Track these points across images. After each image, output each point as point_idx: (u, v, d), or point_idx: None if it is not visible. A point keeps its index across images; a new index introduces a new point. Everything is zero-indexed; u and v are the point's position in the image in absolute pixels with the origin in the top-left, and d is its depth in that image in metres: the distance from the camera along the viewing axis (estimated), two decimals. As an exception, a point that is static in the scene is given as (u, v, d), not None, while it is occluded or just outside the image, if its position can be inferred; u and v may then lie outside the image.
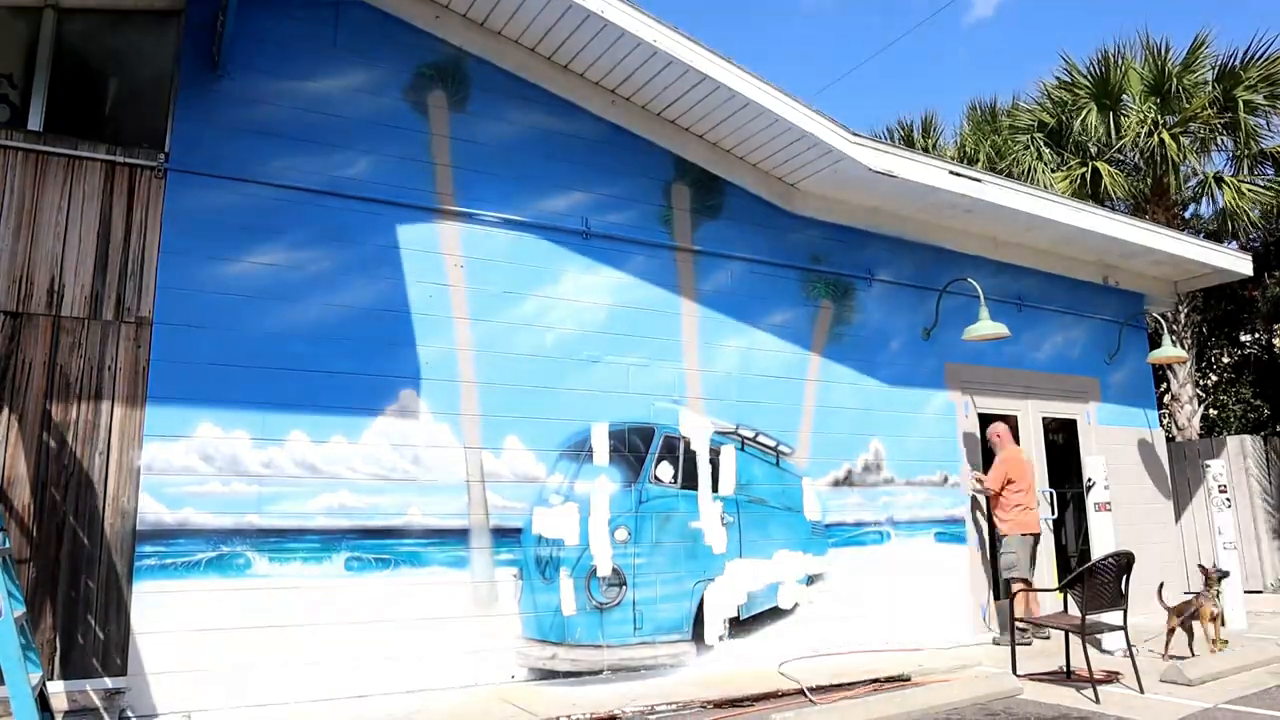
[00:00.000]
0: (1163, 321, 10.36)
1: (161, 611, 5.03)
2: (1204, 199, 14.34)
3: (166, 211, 5.46)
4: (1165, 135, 12.85)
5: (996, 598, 8.11)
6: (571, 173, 6.86)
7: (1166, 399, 14.16)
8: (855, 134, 7.33)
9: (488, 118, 6.60)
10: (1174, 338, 12.13)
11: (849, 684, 5.83)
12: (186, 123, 5.60)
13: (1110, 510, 7.30)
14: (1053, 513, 9.00)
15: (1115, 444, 9.54)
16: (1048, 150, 14.22)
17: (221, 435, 5.36)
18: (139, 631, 4.97)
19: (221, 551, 5.25)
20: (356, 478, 5.70)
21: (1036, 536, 7.95)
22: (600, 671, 6.23)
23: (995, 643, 7.73)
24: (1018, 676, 6.12)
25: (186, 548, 5.16)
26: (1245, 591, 8.69)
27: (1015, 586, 7.60)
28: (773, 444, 7.27)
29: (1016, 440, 8.53)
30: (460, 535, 5.95)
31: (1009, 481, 7.93)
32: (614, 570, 6.46)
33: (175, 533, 5.15)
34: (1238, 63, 13.13)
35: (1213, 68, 13.37)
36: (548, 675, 6.04)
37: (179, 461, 5.23)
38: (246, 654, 5.18)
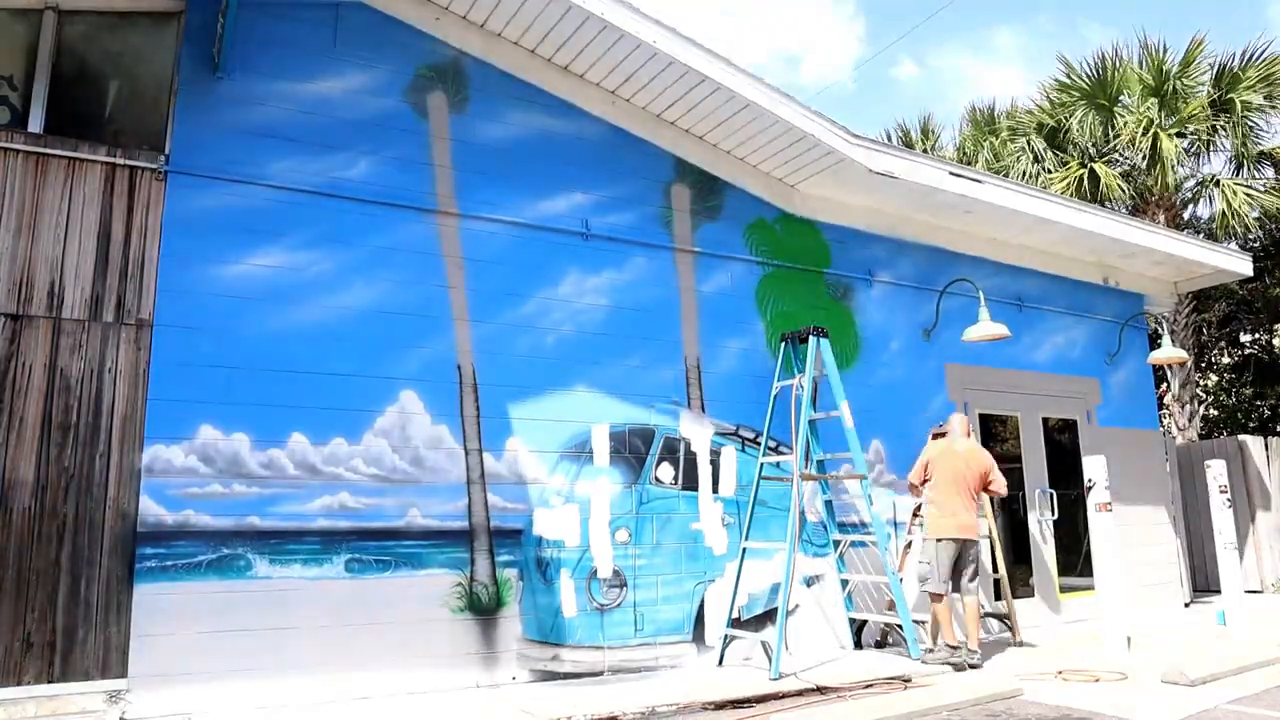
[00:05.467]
0: (1163, 322, 10.37)
1: (162, 613, 5.02)
2: (1203, 199, 14.37)
3: (167, 213, 5.46)
4: (1162, 136, 12.86)
5: (997, 597, 8.10)
6: (571, 174, 6.86)
7: (1167, 399, 14.16)
8: (855, 135, 7.34)
9: (488, 119, 6.60)
10: (1174, 338, 12.14)
11: (850, 685, 5.83)
12: (187, 124, 5.60)
13: (1111, 511, 7.29)
14: (1053, 513, 9.01)
15: (1116, 444, 9.54)
16: (1048, 152, 14.23)
17: (222, 437, 5.36)
18: (140, 634, 4.96)
19: (222, 554, 5.24)
20: (357, 479, 5.70)
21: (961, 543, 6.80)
22: (601, 673, 6.22)
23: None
24: (1018, 677, 6.11)
25: (187, 550, 5.16)
26: (1246, 592, 8.68)
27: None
28: (774, 445, 7.27)
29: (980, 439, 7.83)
30: (461, 537, 5.95)
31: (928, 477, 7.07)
32: (615, 571, 6.45)
33: (176, 535, 5.15)
34: (1236, 64, 13.15)
35: (1211, 68, 13.40)
36: (549, 676, 6.04)
37: (179, 463, 5.22)
38: (247, 656, 5.17)
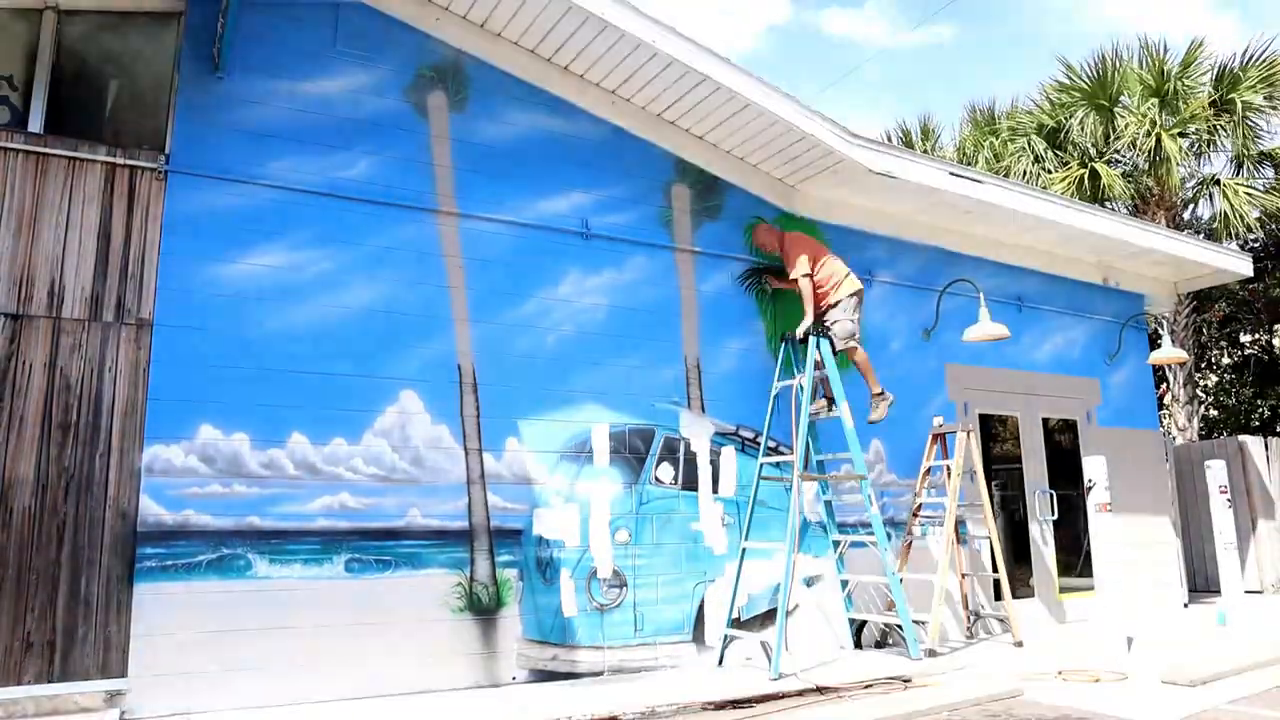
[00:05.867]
0: (1163, 322, 10.37)
1: (162, 613, 5.02)
2: (1203, 199, 14.38)
3: (167, 213, 5.46)
4: (1164, 136, 12.86)
5: (997, 597, 8.10)
6: (572, 174, 6.86)
7: (1167, 400, 14.18)
8: (855, 135, 7.34)
9: (488, 119, 6.60)
10: (1174, 338, 12.14)
11: (850, 685, 5.83)
12: (187, 124, 5.60)
13: (1111, 511, 7.29)
14: (1053, 513, 9.01)
15: (1116, 445, 9.54)
16: (1048, 152, 14.24)
17: (222, 437, 5.36)
18: (140, 633, 4.96)
19: (222, 553, 5.24)
20: (357, 479, 5.69)
21: None
22: (601, 673, 6.22)
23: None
24: (1018, 677, 6.11)
25: (187, 549, 5.16)
26: (1246, 592, 8.68)
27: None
28: (774, 445, 7.26)
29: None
30: (461, 537, 5.95)
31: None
32: (615, 571, 6.45)
33: (176, 534, 5.15)
34: (1237, 64, 13.16)
35: (1212, 69, 13.41)
36: (548, 676, 6.03)
37: (179, 463, 5.22)
38: (248, 656, 5.17)
